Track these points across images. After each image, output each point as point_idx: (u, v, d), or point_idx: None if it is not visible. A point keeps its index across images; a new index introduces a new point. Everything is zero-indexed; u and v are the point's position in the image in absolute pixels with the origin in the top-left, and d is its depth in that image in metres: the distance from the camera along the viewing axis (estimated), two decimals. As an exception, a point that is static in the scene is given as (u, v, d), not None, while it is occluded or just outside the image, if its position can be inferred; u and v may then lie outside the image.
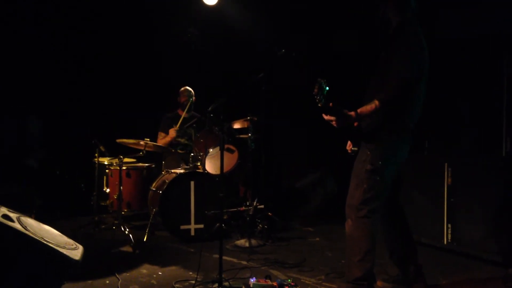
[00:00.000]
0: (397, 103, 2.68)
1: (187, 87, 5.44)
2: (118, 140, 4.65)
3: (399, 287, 3.02)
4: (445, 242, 3.87)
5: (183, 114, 5.23)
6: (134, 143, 4.69)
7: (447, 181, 3.87)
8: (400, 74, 2.63)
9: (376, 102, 2.62)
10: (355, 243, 2.75)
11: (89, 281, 3.14)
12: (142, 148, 4.67)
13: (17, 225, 2.44)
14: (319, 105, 2.53)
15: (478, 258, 3.61)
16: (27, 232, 2.42)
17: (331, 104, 2.53)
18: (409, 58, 2.65)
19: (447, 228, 3.86)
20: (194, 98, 5.37)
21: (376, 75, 2.84)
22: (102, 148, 4.87)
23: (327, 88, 2.49)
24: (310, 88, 2.59)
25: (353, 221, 2.76)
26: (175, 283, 3.11)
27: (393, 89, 2.64)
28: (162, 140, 5.26)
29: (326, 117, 2.61)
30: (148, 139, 4.69)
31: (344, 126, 2.64)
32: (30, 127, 5.80)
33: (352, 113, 2.62)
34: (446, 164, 3.88)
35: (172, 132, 5.15)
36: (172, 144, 5.21)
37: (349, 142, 3.03)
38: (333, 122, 2.62)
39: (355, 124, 2.77)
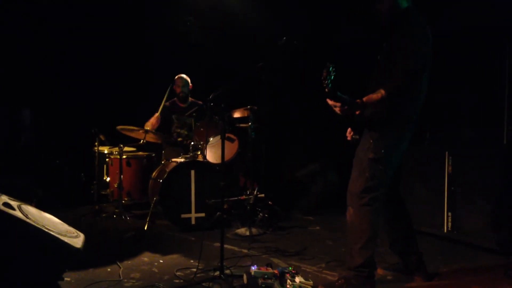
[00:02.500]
0: (402, 94, 2.68)
1: (182, 75, 5.31)
2: (118, 127, 4.64)
3: (399, 275, 3.04)
4: (445, 231, 3.88)
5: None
6: (134, 131, 4.67)
7: (447, 170, 3.87)
8: (406, 65, 2.62)
9: (382, 91, 2.61)
10: (356, 231, 2.76)
11: (91, 269, 3.14)
12: (142, 137, 4.67)
13: (18, 213, 2.44)
14: (326, 90, 2.51)
15: (478, 246, 3.62)
16: (28, 220, 2.42)
17: (337, 91, 2.52)
18: (414, 49, 2.64)
19: (448, 216, 3.87)
20: (191, 85, 5.31)
21: (379, 65, 2.83)
22: (102, 137, 4.86)
23: (334, 73, 2.48)
24: (311, 77, 2.57)
25: (355, 209, 2.76)
26: (176, 271, 3.11)
27: (399, 79, 2.63)
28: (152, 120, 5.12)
29: (330, 102, 2.60)
30: (148, 128, 4.68)
31: (348, 114, 2.62)
32: (24, 118, 5.79)
33: (358, 101, 2.61)
34: (446, 153, 3.88)
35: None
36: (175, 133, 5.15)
37: (349, 130, 3.02)
38: (337, 109, 2.61)
39: (357, 112, 2.75)
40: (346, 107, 2.58)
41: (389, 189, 2.90)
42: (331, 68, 2.48)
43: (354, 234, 2.77)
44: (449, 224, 3.85)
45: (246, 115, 4.84)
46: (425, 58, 2.70)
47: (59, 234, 2.49)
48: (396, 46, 2.68)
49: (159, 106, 5.32)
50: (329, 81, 2.47)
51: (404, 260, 3.02)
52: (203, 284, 2.87)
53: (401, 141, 2.81)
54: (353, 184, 2.80)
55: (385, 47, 2.81)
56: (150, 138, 4.80)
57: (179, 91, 5.26)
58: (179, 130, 4.97)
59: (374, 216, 2.74)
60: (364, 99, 2.62)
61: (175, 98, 5.36)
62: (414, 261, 2.97)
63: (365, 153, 2.76)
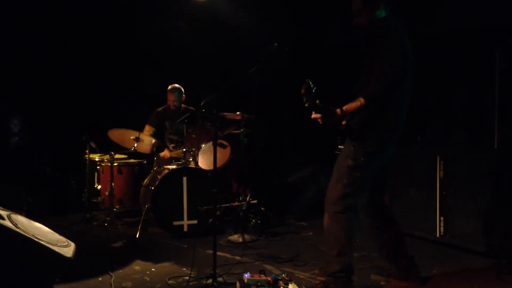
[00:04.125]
0: (381, 102, 2.71)
1: (176, 86, 5.15)
2: (110, 132, 4.61)
3: (392, 280, 3.03)
4: (437, 235, 3.89)
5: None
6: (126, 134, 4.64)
7: (439, 174, 3.88)
8: (382, 74, 2.66)
9: (361, 99, 2.65)
10: (332, 238, 2.80)
11: (82, 279, 3.11)
12: (133, 145, 4.63)
13: (7, 223, 2.41)
14: (306, 105, 2.57)
15: (470, 250, 3.63)
16: (17, 230, 2.40)
17: (317, 101, 2.56)
18: (391, 60, 2.66)
19: (440, 221, 3.88)
20: (184, 96, 5.22)
21: (363, 72, 2.85)
22: (92, 145, 4.82)
23: (315, 88, 2.54)
24: (303, 83, 2.59)
25: (330, 215, 2.81)
26: (168, 280, 3.09)
27: (376, 88, 2.67)
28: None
29: (313, 115, 2.64)
30: (139, 134, 4.64)
31: (329, 123, 2.65)
32: (14, 125, 5.74)
33: (338, 110, 2.64)
34: (438, 157, 3.89)
35: (166, 153, 5.01)
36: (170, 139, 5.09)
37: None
38: (319, 119, 2.64)
39: (343, 122, 2.81)
40: (327, 117, 2.61)
41: (373, 195, 2.94)
42: (310, 83, 2.54)
43: (330, 241, 2.82)
44: (442, 228, 3.86)
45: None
46: (402, 65, 2.70)
47: (49, 243, 2.46)
48: (375, 55, 2.71)
49: (151, 114, 5.29)
50: (309, 96, 2.53)
51: (395, 265, 3.03)
52: (196, 292, 2.85)
53: (383, 149, 2.83)
54: (330, 191, 2.84)
55: (367, 53, 2.83)
56: (140, 149, 4.75)
57: (171, 104, 5.18)
58: (172, 136, 4.93)
59: (347, 222, 2.78)
60: (344, 107, 2.66)
61: (167, 105, 5.32)
62: (405, 265, 2.98)
63: (344, 160, 2.80)
